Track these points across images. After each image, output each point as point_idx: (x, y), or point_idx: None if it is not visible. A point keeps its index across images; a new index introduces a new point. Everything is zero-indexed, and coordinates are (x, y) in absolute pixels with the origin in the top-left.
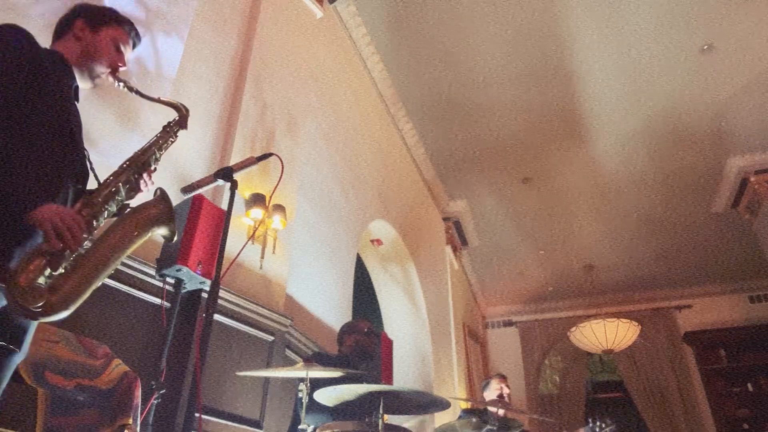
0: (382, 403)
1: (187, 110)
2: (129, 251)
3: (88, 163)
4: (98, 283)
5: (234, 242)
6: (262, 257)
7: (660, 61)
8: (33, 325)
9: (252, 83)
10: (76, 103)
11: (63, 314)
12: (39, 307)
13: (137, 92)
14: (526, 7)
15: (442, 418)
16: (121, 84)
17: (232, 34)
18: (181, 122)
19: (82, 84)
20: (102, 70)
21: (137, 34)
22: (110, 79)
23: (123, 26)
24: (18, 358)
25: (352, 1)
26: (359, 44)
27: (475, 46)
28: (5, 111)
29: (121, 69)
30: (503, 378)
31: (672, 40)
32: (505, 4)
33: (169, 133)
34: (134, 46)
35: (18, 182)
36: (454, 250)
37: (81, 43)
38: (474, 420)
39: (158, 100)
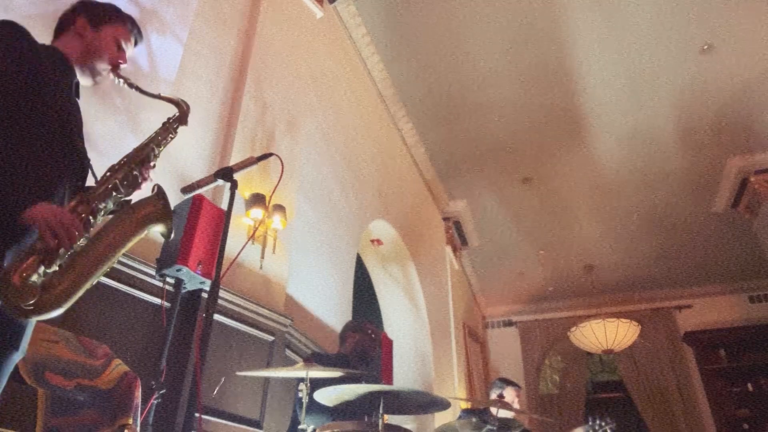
0: (382, 403)
1: (187, 106)
2: (125, 249)
3: (86, 162)
4: (93, 281)
5: (234, 242)
6: (262, 257)
7: (660, 61)
8: (31, 324)
9: (252, 83)
10: (77, 99)
11: (56, 312)
12: (31, 305)
13: (137, 89)
14: (525, 7)
15: (442, 418)
16: (122, 81)
17: (232, 34)
18: (181, 118)
19: (84, 81)
20: (103, 67)
21: (139, 31)
22: (111, 76)
23: (125, 23)
24: (16, 357)
25: (352, 1)
26: (359, 44)
27: (475, 46)
28: (2, 110)
29: (122, 66)
30: (518, 390)
31: (672, 40)
32: (504, 5)
33: (168, 129)
34: (136, 43)
35: (13, 181)
36: (454, 250)
37: (83, 40)
38: (474, 420)
39: (159, 97)
